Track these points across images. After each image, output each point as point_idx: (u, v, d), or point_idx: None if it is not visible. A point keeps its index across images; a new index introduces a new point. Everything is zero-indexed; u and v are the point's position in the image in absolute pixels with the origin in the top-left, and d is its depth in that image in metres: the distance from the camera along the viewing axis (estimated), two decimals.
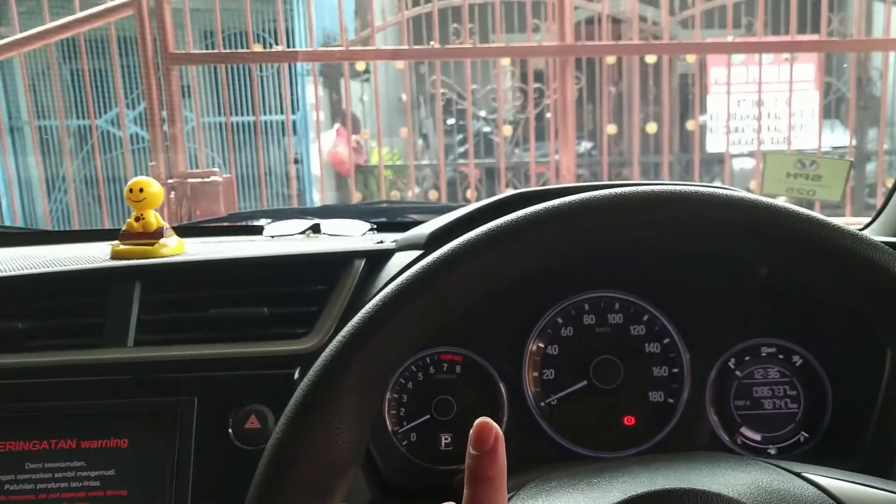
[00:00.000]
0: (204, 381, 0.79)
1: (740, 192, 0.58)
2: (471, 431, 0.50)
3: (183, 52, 3.17)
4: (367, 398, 0.54)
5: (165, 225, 0.99)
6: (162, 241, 0.97)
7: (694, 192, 0.57)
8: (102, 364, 0.79)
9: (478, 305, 0.88)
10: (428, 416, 0.90)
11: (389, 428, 0.89)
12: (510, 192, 0.89)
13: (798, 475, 0.56)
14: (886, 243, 0.58)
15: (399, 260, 0.86)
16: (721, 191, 0.57)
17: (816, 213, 0.57)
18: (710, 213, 0.56)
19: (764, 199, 0.58)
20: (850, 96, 3.51)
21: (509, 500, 0.57)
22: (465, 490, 0.50)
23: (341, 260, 0.85)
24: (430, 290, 0.54)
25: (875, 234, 1.11)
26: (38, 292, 0.84)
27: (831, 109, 4.78)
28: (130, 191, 0.97)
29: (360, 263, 0.85)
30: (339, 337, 0.54)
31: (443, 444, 0.90)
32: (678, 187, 0.58)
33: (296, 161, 4.99)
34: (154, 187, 0.98)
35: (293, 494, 0.51)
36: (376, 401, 0.55)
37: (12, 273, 0.85)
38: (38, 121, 4.05)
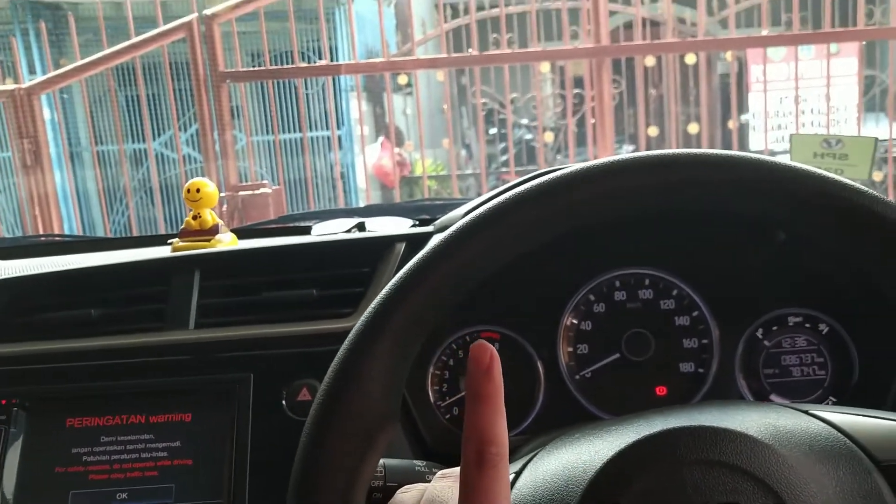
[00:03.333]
0: (259, 358, 0.85)
1: (764, 157, 0.62)
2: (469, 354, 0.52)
3: (232, 69, 3.30)
4: (401, 358, 0.59)
5: (221, 223, 1.06)
6: (218, 237, 1.05)
7: (722, 156, 0.60)
8: (166, 345, 0.86)
9: (513, 285, 0.94)
10: None
11: (433, 402, 0.95)
12: (543, 169, 0.94)
13: (805, 412, 0.58)
14: None
15: None
16: (745, 154, 0.61)
17: (847, 180, 0.60)
18: (738, 176, 0.59)
19: (792, 163, 0.61)
20: (891, 86, 3.47)
21: (536, 454, 0.62)
22: (465, 409, 0.52)
23: (383, 244, 0.91)
24: (468, 246, 0.59)
25: None
26: (108, 282, 0.92)
27: (875, 103, 4.71)
28: (188, 191, 1.05)
29: (401, 246, 0.91)
30: (376, 300, 0.59)
31: None
32: (707, 151, 0.62)
33: (342, 175, 5.10)
34: (209, 187, 1.05)
35: (337, 441, 0.57)
36: (409, 359, 0.60)
37: (85, 265, 0.93)
38: (97, 146, 4.22)
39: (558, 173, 0.61)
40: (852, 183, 0.60)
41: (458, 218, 0.94)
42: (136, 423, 0.84)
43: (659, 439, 0.55)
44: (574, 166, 0.61)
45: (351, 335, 0.59)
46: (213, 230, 1.04)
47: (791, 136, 1.17)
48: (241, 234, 1.14)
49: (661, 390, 0.95)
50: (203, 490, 0.82)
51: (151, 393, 0.85)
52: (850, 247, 0.61)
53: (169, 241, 1.07)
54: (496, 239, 0.60)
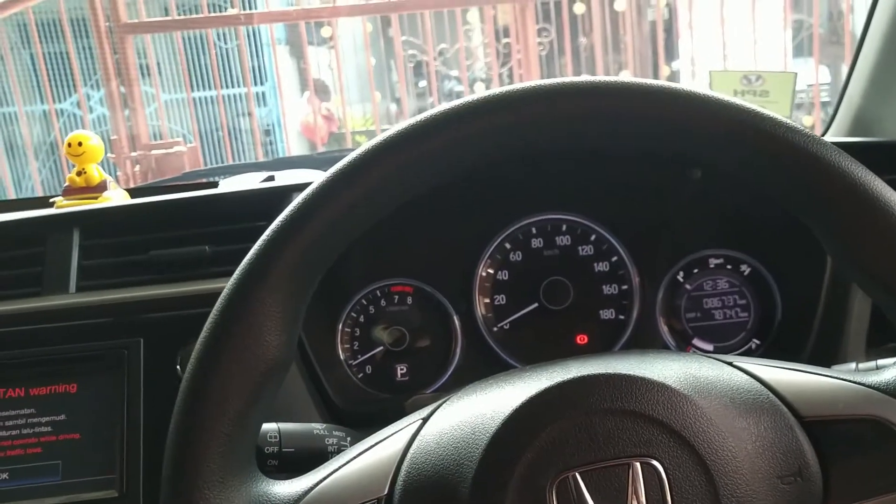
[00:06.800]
0: (149, 322, 0.79)
1: (677, 85, 0.56)
2: None
3: (136, 20, 3.13)
4: (292, 295, 0.54)
5: (109, 178, 0.99)
6: (106, 194, 0.97)
7: (626, 84, 0.55)
8: (44, 311, 0.79)
9: (425, 235, 0.89)
10: (381, 348, 0.90)
11: (343, 360, 0.90)
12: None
13: (729, 364, 0.56)
14: (839, 144, 0.55)
15: None
16: (654, 82, 0.56)
17: (761, 108, 0.56)
18: (642, 105, 0.54)
19: (706, 91, 0.56)
20: (815, 29, 3.49)
21: (446, 401, 0.58)
22: None
23: (281, 194, 0.85)
24: (354, 185, 0.54)
25: (831, 138, 1.11)
26: None
27: (804, 47, 4.76)
28: (69, 145, 0.97)
29: None
30: (262, 237, 0.54)
31: (398, 374, 0.91)
32: (610, 78, 0.56)
33: (267, 132, 4.94)
34: (93, 140, 0.98)
35: (221, 391, 0.52)
36: (303, 299, 0.55)
37: None
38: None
39: (458, 102, 0.55)
40: (767, 112, 0.55)
41: None
42: (14, 396, 0.77)
43: (571, 386, 0.52)
44: (477, 94, 0.56)
45: (239, 268, 0.54)
46: (101, 187, 0.97)
47: (710, 71, 1.14)
48: (140, 193, 1.06)
49: (581, 339, 0.92)
50: (93, 465, 0.76)
51: (30, 363, 0.78)
52: (766, 180, 0.57)
53: (52, 200, 0.99)
54: (396, 168, 0.55)
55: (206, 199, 0.88)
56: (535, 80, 0.56)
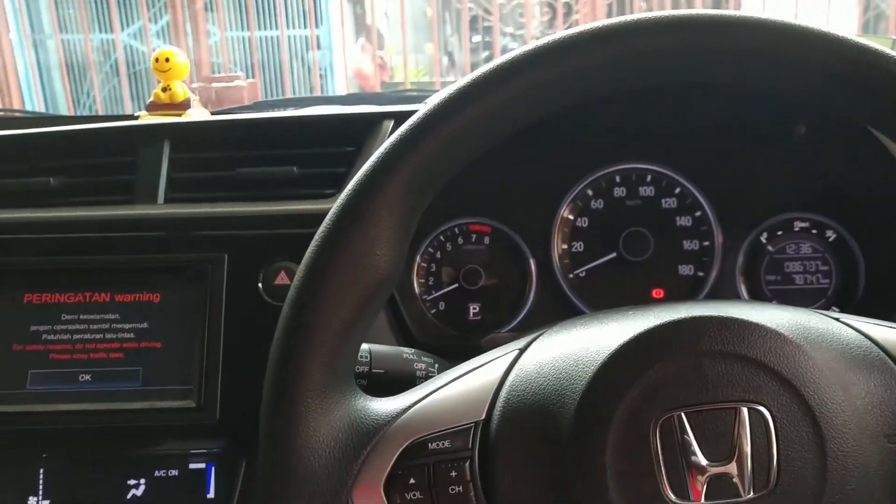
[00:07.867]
0: (234, 238, 0.79)
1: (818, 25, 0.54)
2: None
3: None
4: (406, 212, 0.53)
5: (193, 96, 0.99)
6: (189, 111, 0.97)
7: (766, 20, 0.52)
8: (133, 220, 0.79)
9: (506, 175, 0.88)
10: (456, 286, 0.90)
11: (418, 294, 0.90)
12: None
13: (836, 319, 0.55)
14: None
15: None
16: (794, 20, 0.54)
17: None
18: (785, 44, 0.52)
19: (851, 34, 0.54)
20: (893, 11, 3.38)
21: (543, 334, 0.57)
22: None
23: (370, 121, 0.84)
24: (477, 102, 0.53)
25: None
26: (69, 149, 0.84)
27: (870, 26, 4.63)
28: (156, 60, 0.97)
29: (389, 124, 0.84)
30: (379, 150, 0.54)
31: (471, 313, 0.90)
32: (748, 13, 0.54)
33: (320, 76, 4.92)
34: (180, 57, 0.97)
35: (330, 300, 0.52)
36: (414, 219, 0.55)
37: (44, 130, 0.85)
38: (62, 34, 4.00)
39: (566, 34, 0.54)
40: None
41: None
42: (100, 301, 0.78)
43: (683, 326, 0.51)
44: (608, 20, 0.54)
45: (356, 178, 0.53)
46: (185, 104, 0.97)
47: None
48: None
49: (657, 293, 0.91)
50: (172, 375, 0.76)
51: (117, 270, 0.78)
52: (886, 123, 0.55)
53: (137, 115, 0.99)
54: (522, 88, 0.53)
55: (295, 120, 0.87)
56: (666, 10, 0.54)
